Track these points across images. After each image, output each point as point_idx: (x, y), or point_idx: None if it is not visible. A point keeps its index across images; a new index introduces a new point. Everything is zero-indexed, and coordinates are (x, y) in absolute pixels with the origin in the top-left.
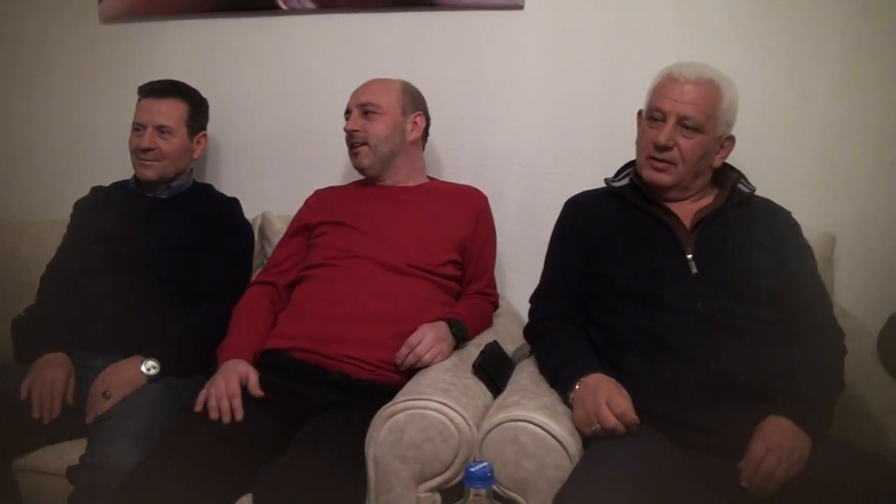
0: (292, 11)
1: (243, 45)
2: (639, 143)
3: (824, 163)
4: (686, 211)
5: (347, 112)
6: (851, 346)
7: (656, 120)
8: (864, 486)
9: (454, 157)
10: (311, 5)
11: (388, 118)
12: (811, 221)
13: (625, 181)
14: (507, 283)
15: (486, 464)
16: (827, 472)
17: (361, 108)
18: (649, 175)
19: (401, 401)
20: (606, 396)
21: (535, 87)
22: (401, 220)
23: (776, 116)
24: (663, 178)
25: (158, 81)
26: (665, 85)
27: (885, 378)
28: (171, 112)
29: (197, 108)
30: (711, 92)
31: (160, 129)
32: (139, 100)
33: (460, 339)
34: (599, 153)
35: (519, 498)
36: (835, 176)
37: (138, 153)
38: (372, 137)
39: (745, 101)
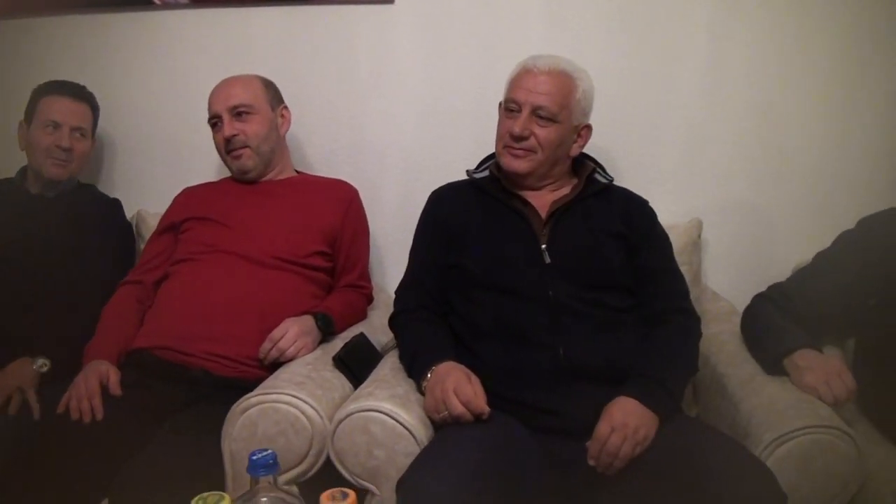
0: (166, 7)
1: (118, 42)
2: (497, 133)
3: (691, 151)
4: (544, 201)
5: (215, 118)
6: (720, 327)
7: (512, 111)
8: (709, 460)
9: (330, 151)
10: (185, 0)
11: (262, 116)
12: (679, 208)
13: (485, 173)
14: (387, 276)
15: (268, 451)
16: (673, 448)
17: (233, 111)
18: (508, 163)
19: (253, 395)
20: (454, 384)
21: (409, 81)
22: (268, 214)
23: (644, 107)
24: (521, 166)
25: (68, 82)
26: (520, 76)
27: (744, 355)
28: (85, 114)
29: (96, 112)
30: (565, 82)
31: (77, 130)
32: (42, 97)
33: (327, 332)
34: (474, 145)
35: (371, 486)
36: (701, 163)
37: (52, 151)
38: (252, 139)
39: (614, 93)
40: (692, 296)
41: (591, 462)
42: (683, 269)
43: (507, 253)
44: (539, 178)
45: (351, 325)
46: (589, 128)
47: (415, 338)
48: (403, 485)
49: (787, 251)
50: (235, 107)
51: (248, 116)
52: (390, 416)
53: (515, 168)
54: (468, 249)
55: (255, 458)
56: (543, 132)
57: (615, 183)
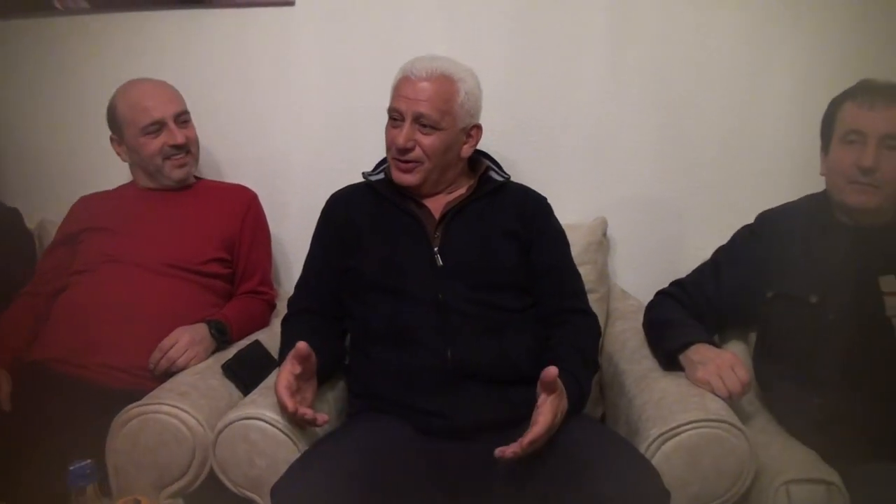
0: (68, 11)
1: (20, 48)
2: (385, 140)
3: (594, 148)
4: (438, 204)
5: (158, 124)
6: (626, 325)
7: (396, 119)
8: (594, 460)
9: (234, 156)
10: (85, 5)
11: (192, 122)
12: (584, 206)
13: (381, 175)
14: (293, 282)
15: (86, 462)
16: (562, 448)
17: (178, 118)
18: (397, 177)
19: (133, 407)
20: (282, 383)
21: (312, 83)
22: (164, 221)
23: (546, 105)
24: (410, 180)
25: None
26: (400, 84)
27: (644, 352)
28: None
29: None
30: (445, 87)
31: None
32: None
33: (222, 340)
34: (380, 146)
35: (255, 496)
36: (605, 161)
37: None
38: (194, 146)
39: (515, 91)
40: (598, 295)
41: (518, 449)
42: (588, 267)
43: (400, 256)
44: (432, 186)
45: (251, 332)
46: (479, 128)
47: (288, 341)
48: (276, 492)
49: (696, 247)
50: (180, 113)
51: (187, 124)
52: (271, 423)
53: (405, 182)
54: (362, 253)
55: (72, 468)
56: (428, 140)
57: (514, 180)
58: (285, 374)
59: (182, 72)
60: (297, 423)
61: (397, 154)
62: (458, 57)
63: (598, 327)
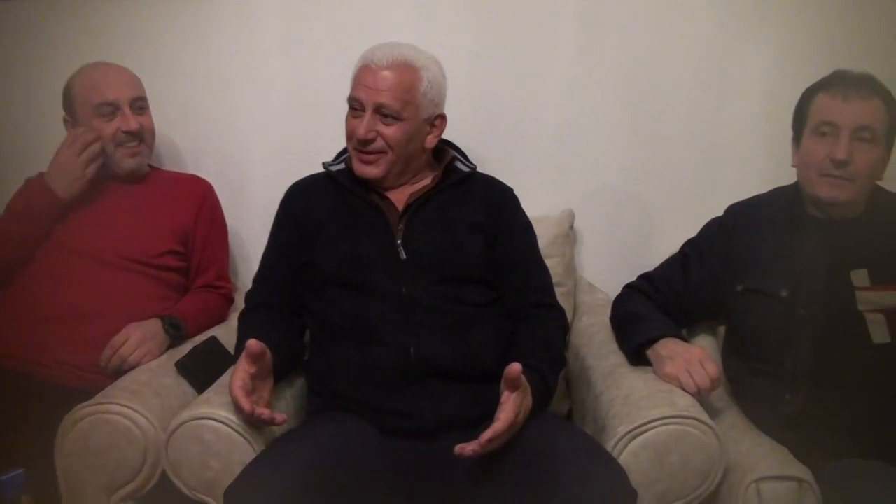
0: None
1: None
2: (346, 130)
3: (562, 140)
4: (402, 195)
5: (112, 106)
6: (593, 319)
7: (356, 109)
8: (560, 460)
9: (192, 146)
10: None
11: (149, 110)
12: (551, 199)
13: (342, 165)
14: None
15: (17, 472)
16: (528, 447)
17: (134, 103)
18: (359, 168)
19: (82, 407)
20: (236, 383)
21: (273, 71)
22: (117, 212)
23: (513, 96)
24: (373, 172)
25: None
26: (361, 73)
27: (612, 346)
28: None
29: None
30: (407, 76)
31: None
32: None
33: (176, 336)
34: (342, 140)
35: (209, 500)
36: (572, 152)
37: None
38: (148, 134)
39: (483, 82)
40: (565, 289)
41: (477, 446)
42: (555, 260)
43: (362, 250)
44: (396, 177)
45: (207, 327)
46: (443, 117)
47: (242, 337)
48: (230, 495)
49: (665, 240)
50: (136, 98)
51: (144, 111)
52: (225, 423)
53: (367, 174)
54: (321, 246)
55: (3, 478)
56: (390, 131)
57: (480, 171)
58: (239, 373)
59: (140, 58)
60: (255, 423)
61: (359, 145)
62: (425, 45)
63: (566, 322)
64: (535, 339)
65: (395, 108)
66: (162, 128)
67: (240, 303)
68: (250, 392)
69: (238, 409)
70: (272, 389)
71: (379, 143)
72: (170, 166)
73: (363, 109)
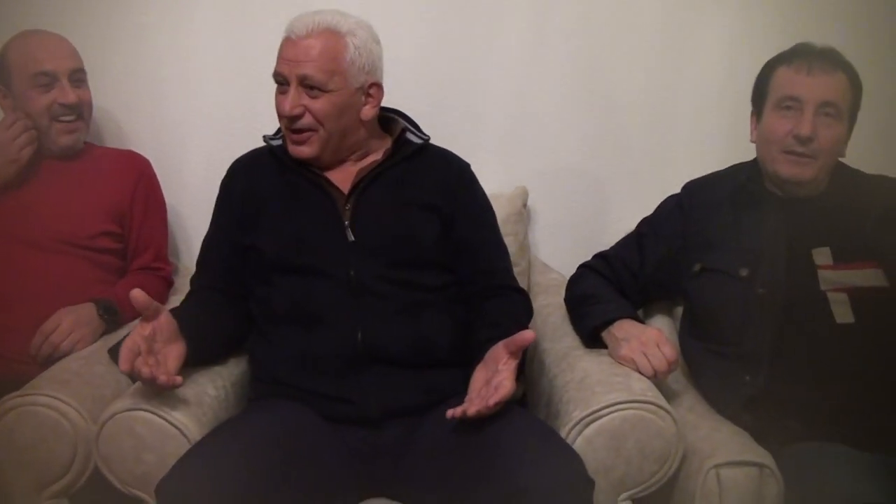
0: None
1: None
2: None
3: (515, 116)
4: (349, 171)
5: (50, 77)
6: (548, 300)
7: (282, 84)
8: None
9: (126, 120)
10: None
11: (87, 85)
12: (504, 176)
13: (280, 140)
14: (194, 255)
15: None
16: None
17: (72, 75)
18: (292, 150)
19: (7, 399)
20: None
21: (210, 42)
22: (48, 192)
23: (465, 71)
24: (305, 152)
25: None
26: (283, 46)
27: (566, 328)
28: None
29: None
30: (331, 44)
31: None
32: None
33: (111, 321)
34: None
35: (143, 495)
36: (526, 129)
37: None
38: (87, 109)
39: (433, 56)
40: (519, 269)
41: (482, 407)
42: (508, 239)
43: (307, 231)
44: (333, 155)
45: None
46: (378, 86)
47: None
48: (161, 489)
49: (620, 217)
50: (75, 70)
51: (82, 84)
52: (158, 414)
53: (301, 155)
54: (263, 228)
55: None
56: (317, 105)
57: (433, 143)
58: (133, 335)
59: (74, 27)
60: (151, 386)
61: (289, 124)
62: (374, 20)
63: (531, 305)
64: (505, 314)
65: (320, 80)
66: (98, 100)
67: (180, 285)
68: (147, 354)
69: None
70: (181, 357)
71: (307, 120)
72: (105, 142)
73: (288, 84)
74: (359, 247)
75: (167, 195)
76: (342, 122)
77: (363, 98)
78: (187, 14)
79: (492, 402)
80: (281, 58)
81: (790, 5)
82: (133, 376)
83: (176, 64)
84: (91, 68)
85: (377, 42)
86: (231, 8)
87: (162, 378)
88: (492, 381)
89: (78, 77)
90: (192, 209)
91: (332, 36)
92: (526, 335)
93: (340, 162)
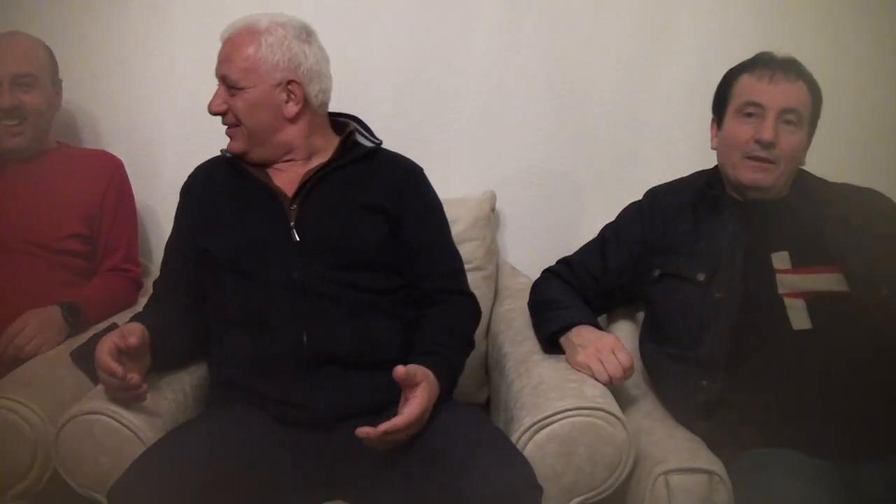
0: None
1: None
2: None
3: (483, 119)
4: (296, 174)
5: None
6: (514, 304)
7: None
8: (464, 453)
9: (100, 119)
10: None
11: (43, 90)
12: (472, 180)
13: None
14: None
15: None
16: (433, 439)
17: (16, 79)
18: (228, 146)
19: None
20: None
21: (186, 41)
22: (15, 193)
23: (433, 74)
24: (234, 147)
25: None
26: (220, 50)
27: (528, 333)
28: None
29: None
30: (244, 42)
31: None
32: None
33: (75, 324)
34: None
35: (101, 498)
36: (494, 132)
37: None
38: (32, 114)
39: (402, 60)
40: (486, 272)
41: (372, 433)
42: (475, 243)
43: (254, 234)
44: (263, 152)
45: (114, 313)
46: (297, 83)
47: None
48: (114, 494)
49: (590, 222)
50: (22, 74)
51: (30, 89)
52: (113, 417)
53: (231, 150)
54: (214, 231)
55: None
56: (235, 102)
57: (391, 149)
58: (108, 342)
59: (48, 25)
60: (123, 394)
61: (222, 121)
62: (348, 19)
63: (478, 309)
64: (440, 323)
65: (234, 78)
66: (74, 100)
67: (150, 286)
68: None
69: (110, 374)
70: (145, 371)
71: (230, 118)
72: (81, 142)
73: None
74: (303, 248)
75: (141, 196)
76: (261, 118)
77: (284, 95)
78: (163, 14)
79: (380, 429)
80: (216, 61)
81: (762, 9)
82: (104, 372)
83: (152, 65)
84: (67, 68)
85: (303, 41)
86: (206, 9)
87: (135, 378)
88: (401, 406)
89: (25, 82)
90: (165, 210)
91: (247, 34)
92: (396, 372)
93: (286, 163)
